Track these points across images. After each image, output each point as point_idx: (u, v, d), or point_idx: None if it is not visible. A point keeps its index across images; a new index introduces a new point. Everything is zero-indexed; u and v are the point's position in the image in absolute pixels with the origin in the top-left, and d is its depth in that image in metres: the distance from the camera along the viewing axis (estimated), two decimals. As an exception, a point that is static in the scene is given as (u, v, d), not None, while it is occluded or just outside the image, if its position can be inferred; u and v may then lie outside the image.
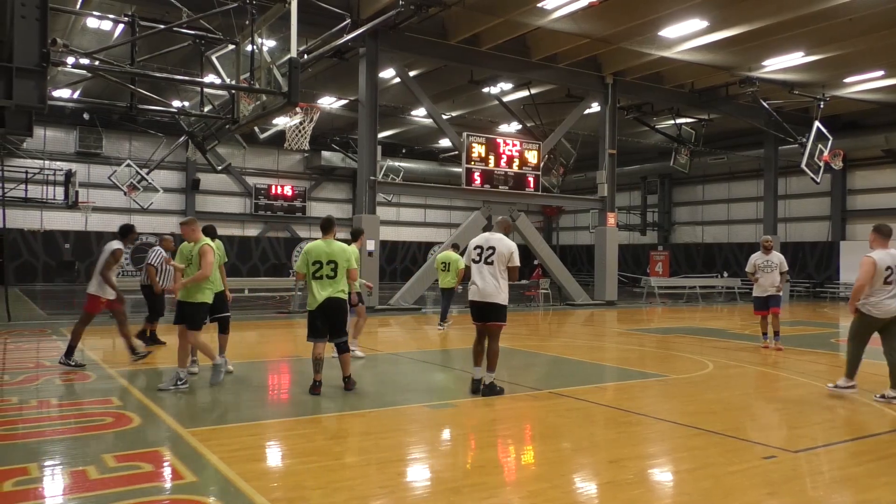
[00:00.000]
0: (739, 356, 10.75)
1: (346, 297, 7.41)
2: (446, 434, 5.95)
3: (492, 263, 7.16)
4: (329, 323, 7.30)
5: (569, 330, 15.44)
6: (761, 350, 11.27)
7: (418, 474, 4.85)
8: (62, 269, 29.03)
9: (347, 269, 7.36)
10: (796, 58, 19.77)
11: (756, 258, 11.59)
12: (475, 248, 7.34)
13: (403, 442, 5.58)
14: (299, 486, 4.43)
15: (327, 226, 7.45)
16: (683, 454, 5.26)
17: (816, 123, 22.14)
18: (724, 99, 24.28)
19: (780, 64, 20.40)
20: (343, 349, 7.47)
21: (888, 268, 7.16)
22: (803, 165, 22.18)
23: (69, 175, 25.61)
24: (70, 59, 7.98)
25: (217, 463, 4.74)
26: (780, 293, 11.49)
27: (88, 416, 6.20)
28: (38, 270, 28.67)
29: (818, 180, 23.19)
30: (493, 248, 7.20)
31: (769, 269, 11.36)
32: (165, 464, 4.79)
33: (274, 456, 5.26)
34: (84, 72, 9.31)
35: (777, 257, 11.49)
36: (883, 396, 7.14)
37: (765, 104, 22.73)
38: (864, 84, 22.41)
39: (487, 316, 7.25)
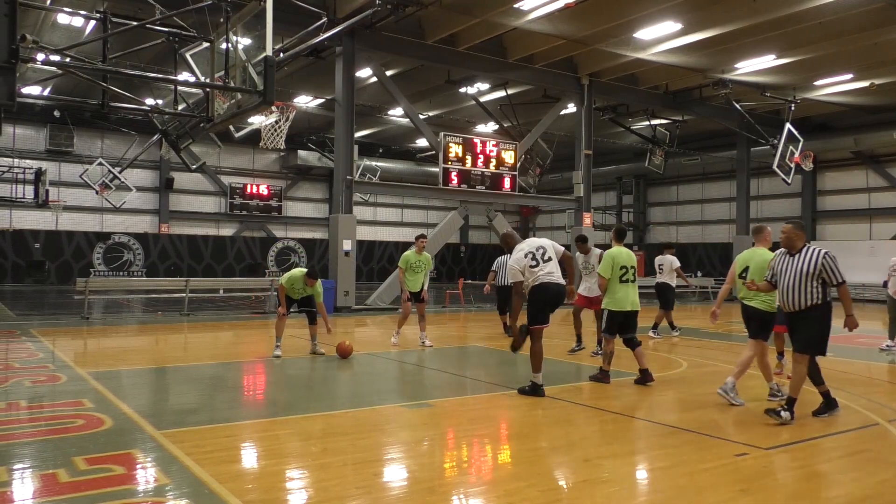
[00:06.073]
0: (713, 355, 10.89)
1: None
2: (423, 434, 5.94)
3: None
4: (628, 323, 8.05)
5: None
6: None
7: (394, 474, 4.84)
8: (32, 269, 28.52)
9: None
10: (768, 60, 20.08)
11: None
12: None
13: (380, 442, 5.57)
14: (274, 487, 4.40)
15: (624, 234, 8.55)
16: (658, 452, 5.31)
17: (787, 125, 22.52)
18: (697, 100, 24.60)
19: (753, 66, 20.70)
20: (637, 343, 8.10)
21: None
22: (775, 167, 22.54)
23: (39, 173, 25.18)
24: (40, 56, 7.84)
25: (191, 465, 4.69)
26: None
27: (59, 418, 6.10)
28: (7, 270, 28.15)
29: (789, 181, 23.58)
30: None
31: None
32: (138, 466, 4.73)
33: (248, 457, 5.22)
34: (55, 69, 9.15)
35: None
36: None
37: (737, 106, 23.06)
38: (833, 87, 22.84)
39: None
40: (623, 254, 8.09)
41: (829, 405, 6.42)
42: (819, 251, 6.14)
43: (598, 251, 10.31)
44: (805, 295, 6.10)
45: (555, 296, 7.29)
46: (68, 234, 29.52)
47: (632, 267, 8.05)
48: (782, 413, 6.04)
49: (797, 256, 6.22)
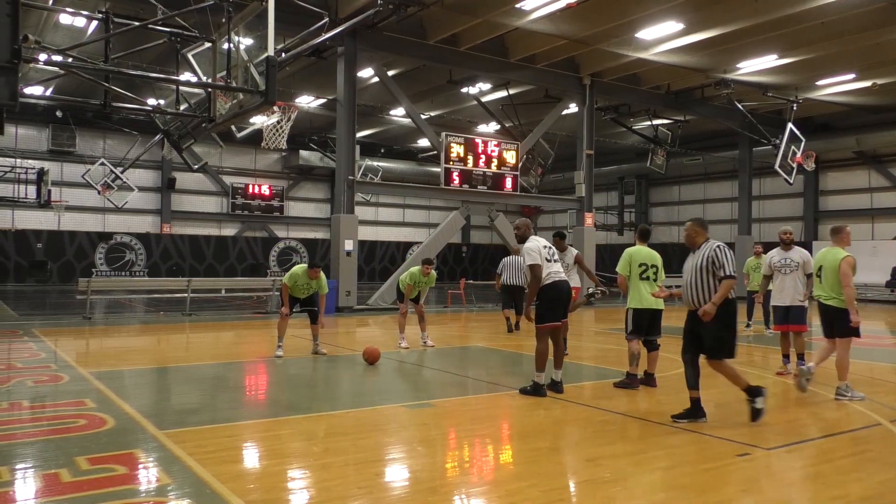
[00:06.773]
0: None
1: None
2: (424, 434, 5.94)
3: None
4: (653, 323, 7.99)
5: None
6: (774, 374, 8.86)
7: (396, 474, 4.84)
8: (35, 269, 28.55)
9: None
10: (770, 60, 20.05)
11: (772, 257, 8.89)
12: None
13: (381, 442, 5.57)
14: (276, 487, 4.40)
15: (648, 234, 8.30)
16: (659, 452, 5.30)
17: (789, 125, 22.48)
18: (699, 101, 24.57)
19: (755, 66, 20.68)
20: (655, 346, 8.05)
21: None
22: (777, 167, 22.51)
23: (41, 173, 25.20)
24: (42, 56, 7.84)
25: (192, 465, 4.70)
26: (805, 304, 8.61)
27: (61, 418, 6.11)
28: (10, 270, 28.17)
29: (791, 181, 23.54)
30: None
31: (788, 270, 8.63)
32: (140, 466, 4.74)
33: (250, 457, 5.22)
34: (57, 69, 9.16)
35: (800, 254, 8.68)
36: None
37: (739, 106, 23.03)
38: (835, 87, 22.80)
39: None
40: (642, 252, 7.97)
41: (694, 412, 6.11)
42: (713, 244, 6.11)
43: (574, 250, 10.45)
44: (702, 291, 6.09)
45: (564, 293, 7.45)
46: (70, 234, 29.55)
47: (653, 265, 7.89)
48: (756, 406, 5.98)
49: (697, 253, 6.24)
